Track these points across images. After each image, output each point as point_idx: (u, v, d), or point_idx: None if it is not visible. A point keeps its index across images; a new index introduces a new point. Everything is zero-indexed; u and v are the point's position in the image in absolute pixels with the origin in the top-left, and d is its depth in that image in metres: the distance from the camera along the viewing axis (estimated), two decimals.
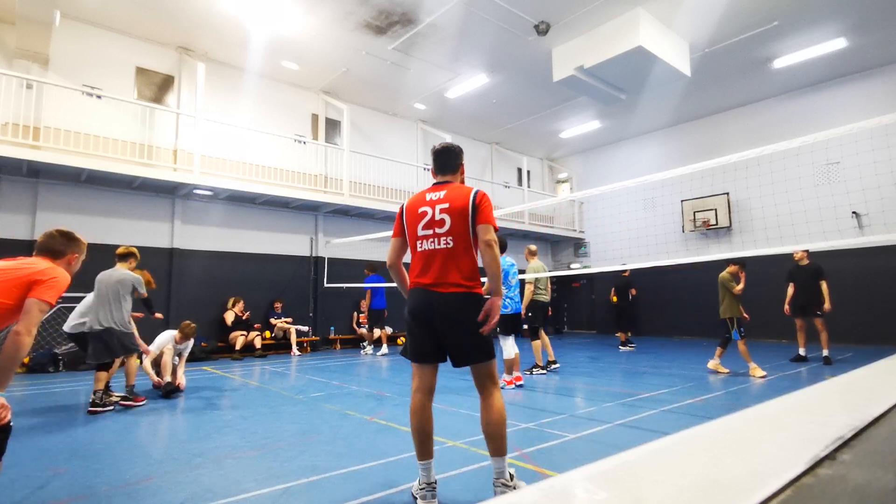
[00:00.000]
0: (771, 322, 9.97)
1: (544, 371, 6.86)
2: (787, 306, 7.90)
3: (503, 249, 5.69)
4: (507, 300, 5.93)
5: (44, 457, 3.27)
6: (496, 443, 2.44)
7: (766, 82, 11.19)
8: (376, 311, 9.85)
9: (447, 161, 2.81)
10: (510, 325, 5.98)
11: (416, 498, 2.47)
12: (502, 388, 5.24)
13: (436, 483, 2.48)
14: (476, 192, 2.59)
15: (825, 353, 7.39)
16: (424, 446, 2.49)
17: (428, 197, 2.67)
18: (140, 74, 9.34)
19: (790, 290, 7.89)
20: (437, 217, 2.58)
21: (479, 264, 2.54)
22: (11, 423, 2.30)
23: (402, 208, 2.76)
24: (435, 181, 2.81)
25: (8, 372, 2.14)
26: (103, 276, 4.95)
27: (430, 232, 2.59)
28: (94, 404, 4.61)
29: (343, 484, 2.72)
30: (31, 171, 7.88)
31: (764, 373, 6.32)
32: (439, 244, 2.56)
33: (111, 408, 4.73)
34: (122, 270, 5.06)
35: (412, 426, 2.52)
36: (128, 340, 4.90)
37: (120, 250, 5.24)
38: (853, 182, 10.26)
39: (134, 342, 5.02)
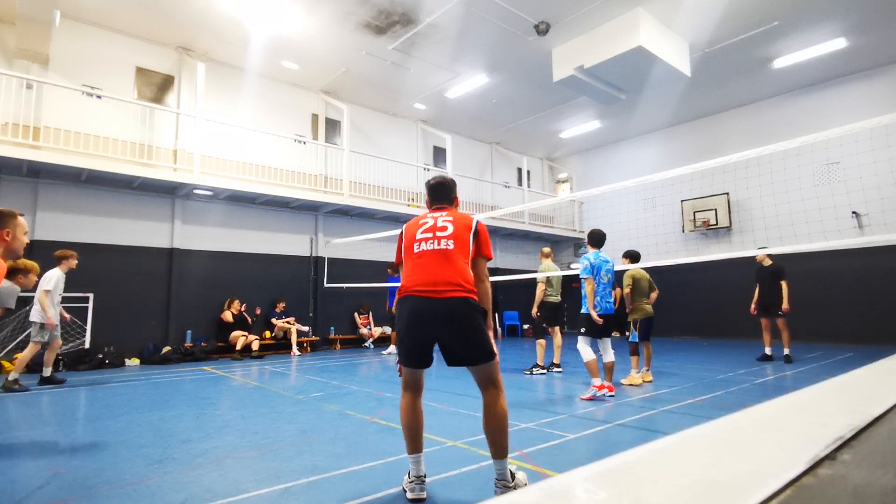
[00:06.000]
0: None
1: (545, 372, 6.84)
2: (752, 307, 8.14)
3: (601, 244, 5.36)
4: (596, 298, 5.21)
5: (44, 457, 3.27)
6: (497, 445, 2.46)
7: (766, 82, 11.19)
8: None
9: (443, 194, 2.88)
10: (596, 327, 5.18)
11: (405, 490, 2.53)
12: (594, 396, 4.93)
13: (425, 476, 2.55)
14: (477, 221, 2.71)
15: (786, 351, 7.63)
16: (416, 441, 2.57)
17: (430, 214, 2.77)
18: (140, 74, 9.35)
19: (756, 291, 8.14)
20: (440, 224, 2.65)
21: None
22: None
23: (401, 232, 2.81)
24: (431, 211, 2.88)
25: None
26: None
27: (430, 235, 2.63)
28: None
29: (343, 484, 2.72)
30: (31, 171, 7.88)
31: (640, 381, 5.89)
32: (439, 245, 2.58)
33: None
34: None
35: (404, 423, 2.60)
36: None
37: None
38: (853, 182, 10.27)
39: None
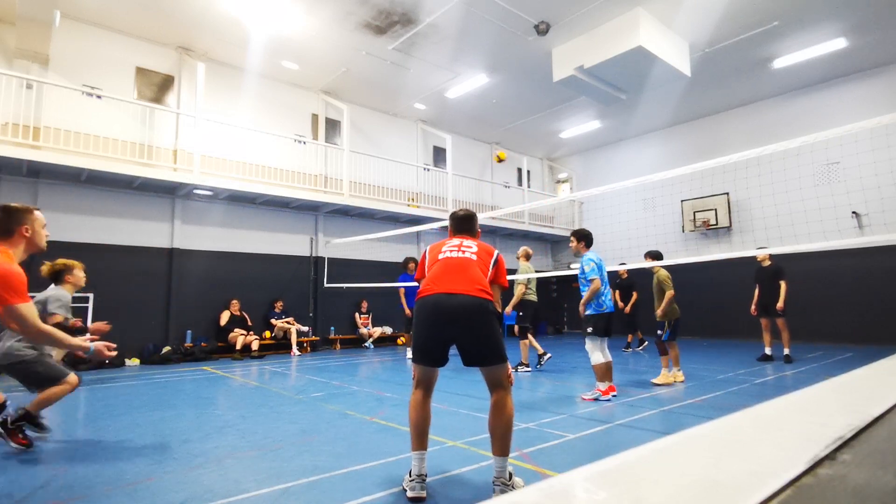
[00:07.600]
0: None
1: (529, 369, 7.02)
2: (752, 307, 8.15)
3: (590, 244, 5.32)
4: (601, 297, 5.09)
5: (44, 457, 3.27)
6: (501, 443, 2.53)
7: (766, 82, 11.19)
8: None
9: (467, 226, 3.08)
10: (602, 327, 5.04)
11: (405, 489, 2.54)
12: (596, 398, 4.91)
13: (426, 475, 2.57)
14: (498, 252, 2.93)
15: (786, 351, 7.65)
16: (422, 439, 2.61)
17: (456, 237, 3.00)
18: (140, 74, 9.34)
19: (756, 292, 8.14)
20: (466, 244, 2.89)
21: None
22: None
23: (425, 251, 2.99)
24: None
25: (56, 344, 2.57)
26: None
27: (456, 248, 2.85)
28: None
29: (343, 484, 2.72)
30: (31, 171, 7.88)
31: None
32: (464, 254, 2.79)
33: None
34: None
35: (413, 420, 2.64)
36: None
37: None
38: (853, 182, 10.27)
39: None
